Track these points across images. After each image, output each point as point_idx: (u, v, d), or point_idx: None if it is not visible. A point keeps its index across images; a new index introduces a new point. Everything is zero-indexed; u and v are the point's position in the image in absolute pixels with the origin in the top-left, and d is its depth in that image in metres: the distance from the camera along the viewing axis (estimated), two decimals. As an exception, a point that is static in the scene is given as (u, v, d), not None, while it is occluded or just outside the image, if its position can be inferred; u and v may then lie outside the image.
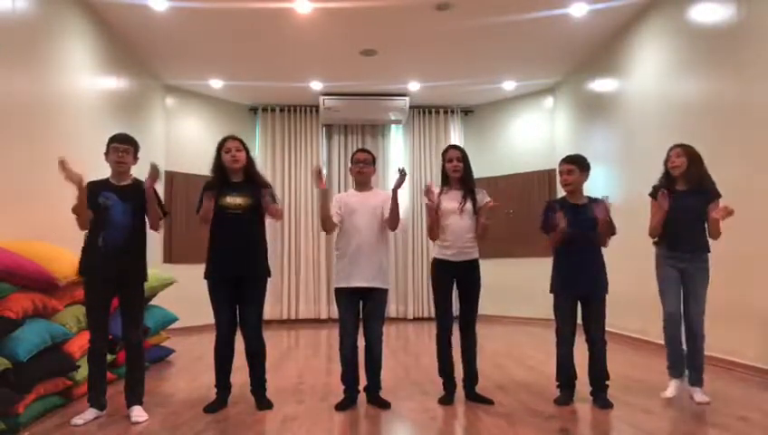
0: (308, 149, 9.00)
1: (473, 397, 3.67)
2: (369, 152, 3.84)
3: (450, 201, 3.70)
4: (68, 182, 3.28)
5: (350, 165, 3.89)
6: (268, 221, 3.76)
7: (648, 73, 5.82)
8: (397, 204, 3.63)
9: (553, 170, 7.99)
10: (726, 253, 3.98)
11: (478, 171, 8.89)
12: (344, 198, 3.78)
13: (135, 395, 3.43)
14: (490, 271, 7.97)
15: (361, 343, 3.65)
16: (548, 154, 8.24)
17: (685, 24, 5.18)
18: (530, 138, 8.65)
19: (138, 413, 3.35)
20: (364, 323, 3.68)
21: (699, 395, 3.61)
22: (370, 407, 3.59)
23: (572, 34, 6.42)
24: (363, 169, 3.76)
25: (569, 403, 3.58)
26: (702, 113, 4.90)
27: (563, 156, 3.81)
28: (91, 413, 3.33)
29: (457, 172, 3.74)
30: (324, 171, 3.62)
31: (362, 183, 3.79)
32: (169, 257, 7.63)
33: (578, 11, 5.84)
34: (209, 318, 3.64)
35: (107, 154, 3.47)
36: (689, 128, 5.00)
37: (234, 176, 3.67)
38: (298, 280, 8.79)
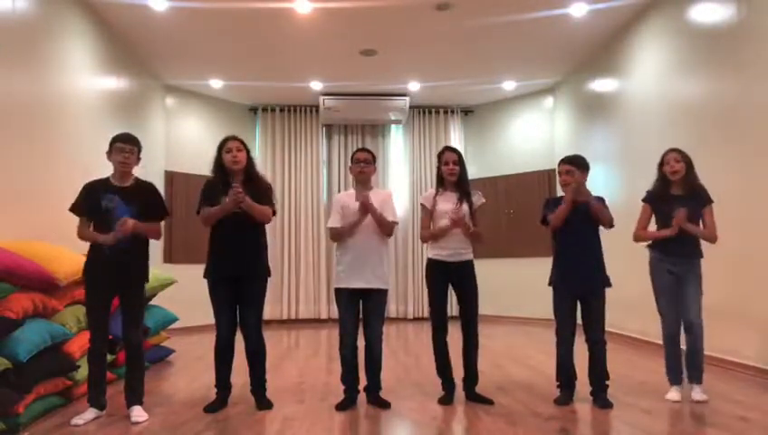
0: (308, 149, 9.00)
1: (473, 397, 3.67)
2: (369, 152, 3.84)
3: (446, 203, 3.71)
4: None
5: (350, 164, 3.89)
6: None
7: (648, 73, 5.82)
8: (375, 215, 3.62)
9: (553, 170, 7.98)
10: (726, 253, 3.99)
11: (478, 171, 9.03)
12: (345, 198, 3.78)
13: (135, 395, 3.43)
14: (490, 271, 8.07)
15: (361, 343, 3.65)
16: (548, 154, 8.24)
17: (685, 24, 5.18)
18: (530, 138, 8.65)
19: (138, 413, 3.35)
20: (364, 323, 3.68)
21: (698, 394, 3.62)
22: (370, 407, 3.59)
23: (572, 34, 6.42)
24: (364, 169, 3.76)
25: (569, 403, 3.58)
26: (702, 113, 4.90)
27: (563, 156, 3.82)
28: (91, 413, 3.33)
29: (453, 175, 3.76)
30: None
31: (363, 182, 3.79)
32: (169, 257, 7.63)
33: (578, 11, 5.84)
34: (209, 318, 3.64)
35: (109, 153, 3.46)
36: (689, 128, 5.00)
37: (234, 176, 3.67)
38: (298, 280, 8.79)
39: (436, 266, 3.73)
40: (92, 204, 3.39)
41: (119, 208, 3.38)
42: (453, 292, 3.78)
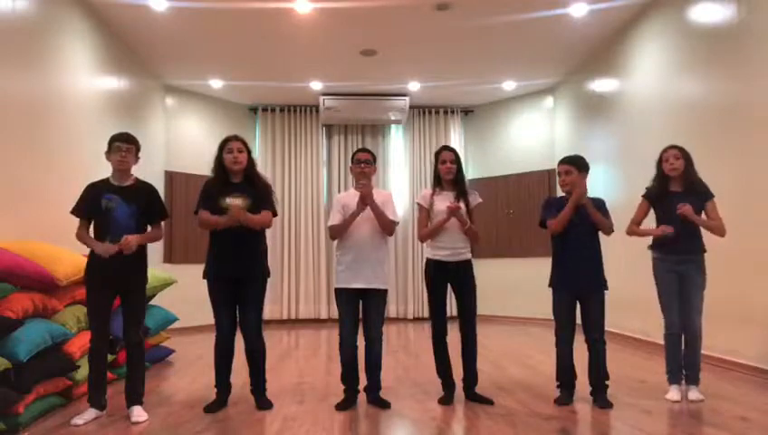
0: (308, 149, 9.00)
1: (472, 397, 3.67)
2: (369, 152, 3.84)
3: (443, 202, 3.71)
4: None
5: (350, 165, 3.89)
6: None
7: (648, 73, 5.82)
8: (375, 209, 3.62)
9: (553, 170, 7.97)
10: (727, 252, 3.99)
11: (478, 171, 9.03)
12: (345, 198, 3.78)
13: (135, 395, 3.43)
14: (490, 271, 8.10)
15: (361, 343, 3.65)
16: (548, 154, 8.24)
17: (685, 24, 5.18)
18: (530, 138, 8.65)
19: (138, 413, 3.35)
20: (364, 323, 3.68)
21: (694, 393, 3.63)
22: (370, 407, 3.59)
23: (572, 34, 6.42)
24: (365, 169, 3.75)
25: (569, 403, 3.58)
26: (702, 113, 4.90)
27: (563, 156, 3.82)
28: (91, 413, 3.33)
29: (450, 174, 3.76)
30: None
31: (364, 182, 3.79)
32: (169, 257, 7.63)
33: (578, 11, 5.84)
34: (209, 318, 3.64)
35: (108, 153, 3.46)
36: (689, 127, 5.00)
37: (234, 176, 3.67)
38: (298, 280, 8.79)
39: (434, 267, 3.73)
40: (93, 204, 3.40)
41: (119, 208, 3.38)
42: (452, 292, 3.78)
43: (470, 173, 9.01)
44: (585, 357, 3.63)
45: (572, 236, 3.62)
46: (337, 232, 3.70)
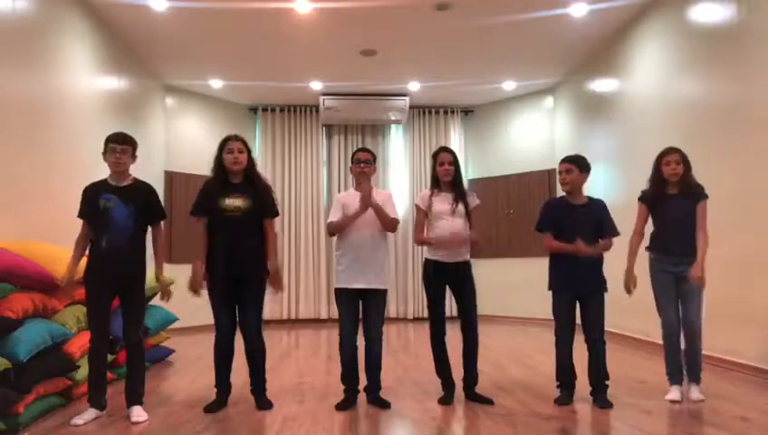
0: (308, 149, 9.00)
1: (472, 397, 3.67)
2: (369, 151, 3.84)
3: (442, 204, 3.70)
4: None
5: (350, 164, 3.89)
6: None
7: (648, 73, 5.82)
8: (376, 209, 3.62)
9: (553, 170, 7.98)
10: (726, 253, 3.99)
11: (478, 171, 9.02)
12: (345, 198, 3.78)
13: (135, 395, 3.43)
14: (490, 271, 8.09)
15: (361, 343, 3.65)
16: (548, 154, 8.24)
17: (685, 24, 5.18)
18: (530, 138, 8.65)
19: (138, 413, 3.35)
20: (364, 323, 3.68)
21: (695, 393, 3.63)
22: (370, 407, 3.59)
23: (572, 34, 6.42)
24: (365, 168, 3.75)
25: (569, 403, 3.58)
26: (702, 113, 4.90)
27: (563, 156, 3.82)
28: (91, 413, 3.33)
29: (448, 176, 3.75)
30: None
31: (364, 182, 3.79)
32: (169, 257, 7.58)
33: (578, 11, 5.84)
34: (209, 318, 3.64)
35: (104, 154, 3.46)
36: (689, 127, 5.00)
37: (234, 177, 3.67)
38: (298, 280, 8.79)
39: (433, 267, 3.73)
40: (91, 205, 3.40)
41: (116, 208, 3.38)
42: (451, 292, 3.77)
43: (470, 173, 9.02)
44: (585, 357, 3.63)
45: (570, 241, 3.61)
46: (336, 228, 3.69)
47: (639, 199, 3.87)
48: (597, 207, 3.74)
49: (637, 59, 6.04)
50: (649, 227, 3.87)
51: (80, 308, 3.93)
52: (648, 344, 5.57)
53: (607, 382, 3.59)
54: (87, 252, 3.44)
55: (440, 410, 3.52)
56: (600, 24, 6.17)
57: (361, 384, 3.69)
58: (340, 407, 3.55)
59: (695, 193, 3.71)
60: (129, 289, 3.45)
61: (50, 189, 4.54)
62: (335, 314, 3.92)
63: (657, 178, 3.78)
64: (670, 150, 3.76)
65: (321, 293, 8.76)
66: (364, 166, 3.75)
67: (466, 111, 9.21)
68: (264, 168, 8.44)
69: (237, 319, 3.66)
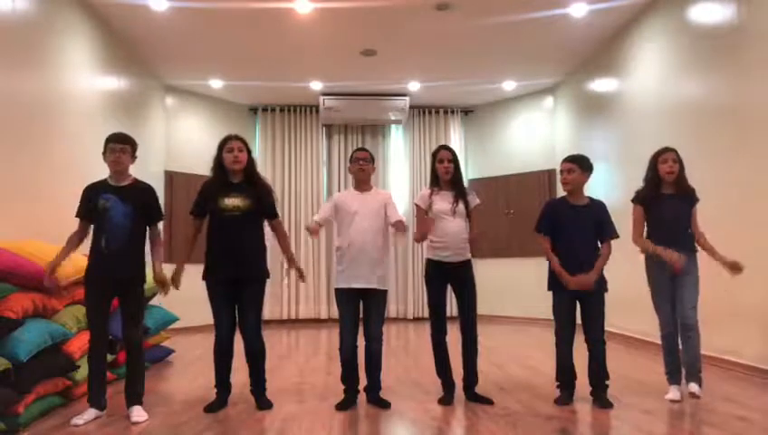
0: (308, 149, 9.00)
1: (473, 397, 3.67)
2: (367, 151, 3.85)
3: (442, 202, 3.70)
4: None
5: (348, 164, 3.89)
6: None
7: (648, 73, 5.82)
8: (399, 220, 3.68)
9: (553, 170, 8.00)
10: (725, 253, 3.98)
11: (478, 171, 9.02)
12: (344, 198, 3.78)
13: (135, 395, 3.43)
14: (490, 271, 8.09)
15: (361, 342, 3.65)
16: (548, 154, 8.25)
17: (685, 25, 5.18)
18: (530, 138, 8.65)
19: (138, 413, 3.35)
20: (364, 323, 3.68)
21: (694, 386, 3.65)
22: (370, 407, 3.59)
23: (572, 34, 6.42)
24: (363, 167, 3.76)
25: (569, 403, 3.58)
26: (702, 113, 4.90)
27: (563, 156, 3.82)
28: (91, 413, 3.32)
29: (448, 174, 3.74)
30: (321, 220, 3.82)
31: (363, 181, 3.79)
32: (169, 257, 7.59)
33: (578, 11, 5.84)
34: (209, 318, 3.64)
35: (104, 154, 3.46)
36: (689, 127, 5.00)
37: (234, 176, 3.66)
38: (298, 280, 8.76)
39: (434, 266, 3.73)
40: (91, 205, 3.40)
41: (115, 208, 3.37)
42: (452, 292, 3.78)
43: (470, 173, 9.02)
44: (585, 357, 3.63)
45: (571, 240, 3.61)
46: (309, 231, 3.79)
47: (633, 201, 3.85)
48: (597, 208, 3.74)
49: (637, 59, 6.04)
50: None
51: (79, 308, 3.92)
52: (648, 344, 5.57)
53: (607, 382, 3.59)
54: (87, 252, 3.44)
55: (440, 410, 3.52)
56: (600, 24, 6.17)
57: (361, 384, 3.69)
58: (340, 407, 3.55)
59: (690, 195, 3.75)
60: (129, 289, 3.44)
61: (50, 189, 4.54)
62: (335, 314, 3.92)
63: (654, 177, 3.79)
64: (666, 150, 3.77)
65: (321, 293, 8.75)
66: (363, 164, 3.75)
67: (466, 111, 9.21)
68: (263, 168, 8.44)
69: (237, 319, 3.66)
